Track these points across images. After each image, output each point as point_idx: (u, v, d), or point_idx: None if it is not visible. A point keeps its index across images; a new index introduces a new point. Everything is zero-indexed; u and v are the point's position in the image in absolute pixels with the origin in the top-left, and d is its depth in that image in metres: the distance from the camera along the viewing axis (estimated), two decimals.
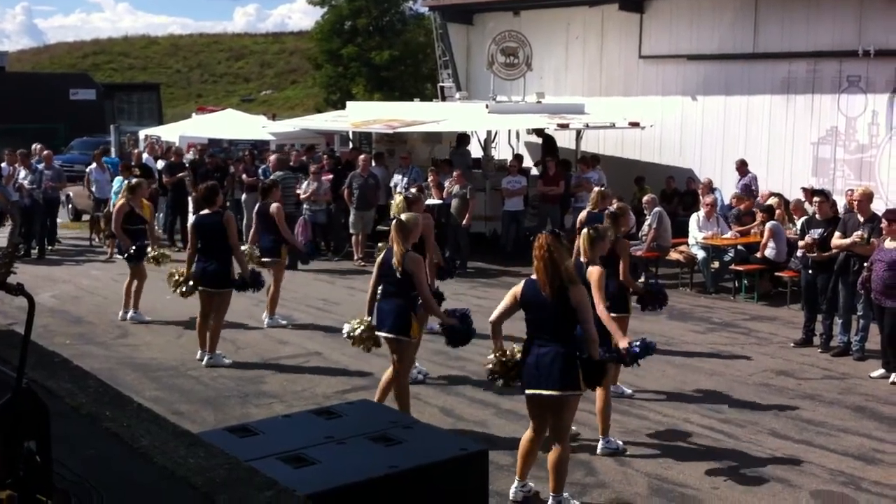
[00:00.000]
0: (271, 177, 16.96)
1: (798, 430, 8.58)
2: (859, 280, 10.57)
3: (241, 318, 12.52)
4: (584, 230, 7.90)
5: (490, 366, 6.82)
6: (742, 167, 17.48)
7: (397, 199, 9.47)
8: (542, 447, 6.83)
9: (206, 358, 10.40)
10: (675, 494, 7.10)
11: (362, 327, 8.15)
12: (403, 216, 8.19)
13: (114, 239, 14.04)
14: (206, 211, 10.50)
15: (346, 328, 8.35)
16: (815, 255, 11.30)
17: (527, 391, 6.59)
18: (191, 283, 10.44)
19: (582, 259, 7.82)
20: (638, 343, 7.29)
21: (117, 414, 4.02)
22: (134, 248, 12.29)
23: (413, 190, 12.31)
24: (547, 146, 20.03)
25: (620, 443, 8.02)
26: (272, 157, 18.69)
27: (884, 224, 10.39)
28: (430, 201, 14.73)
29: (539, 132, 20.26)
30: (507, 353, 6.72)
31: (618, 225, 8.85)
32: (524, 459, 6.84)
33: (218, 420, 8.37)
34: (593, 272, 7.53)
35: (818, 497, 7.12)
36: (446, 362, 10.43)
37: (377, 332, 8.09)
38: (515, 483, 6.87)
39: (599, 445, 7.92)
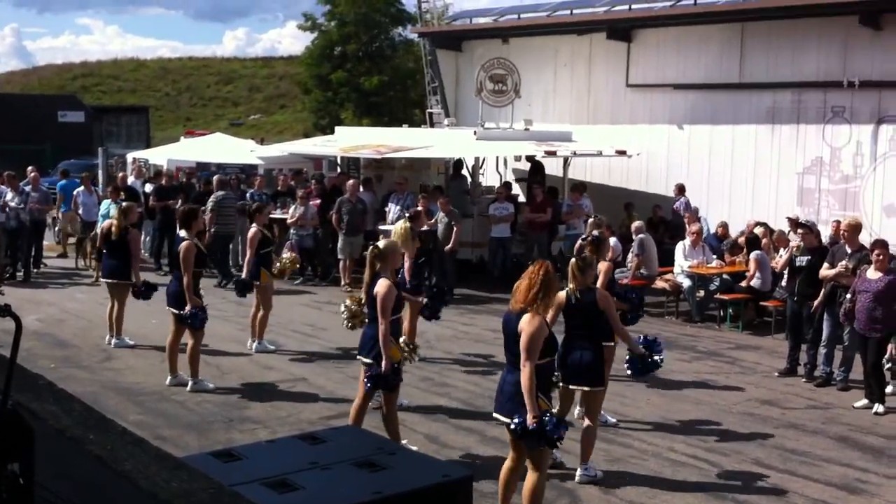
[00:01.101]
0: (212, 197, 17.46)
1: (782, 460, 8.60)
2: (842, 311, 10.62)
3: (226, 342, 12.49)
4: (573, 260, 8.06)
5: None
6: (679, 191, 18.27)
7: (398, 227, 9.56)
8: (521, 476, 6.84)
9: (189, 383, 10.37)
10: None
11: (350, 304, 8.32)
12: (381, 243, 8.21)
13: (100, 262, 13.97)
14: (182, 232, 10.57)
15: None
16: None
17: (494, 414, 6.73)
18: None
19: (570, 287, 7.89)
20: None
21: (101, 437, 4.01)
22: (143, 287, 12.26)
23: (412, 211, 12.38)
24: (534, 170, 20.11)
25: (600, 472, 8.02)
26: (216, 178, 18.96)
27: (873, 254, 10.45)
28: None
29: (529, 157, 20.36)
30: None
31: (601, 251, 9.08)
32: (504, 488, 6.85)
33: (202, 445, 8.33)
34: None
35: None
36: (431, 388, 10.42)
37: (358, 356, 8.11)
38: None
39: (578, 472, 7.92)
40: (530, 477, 6.59)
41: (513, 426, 6.42)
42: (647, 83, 19.92)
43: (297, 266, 12.55)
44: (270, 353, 12.12)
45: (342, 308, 9.11)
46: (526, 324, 6.43)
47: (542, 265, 6.67)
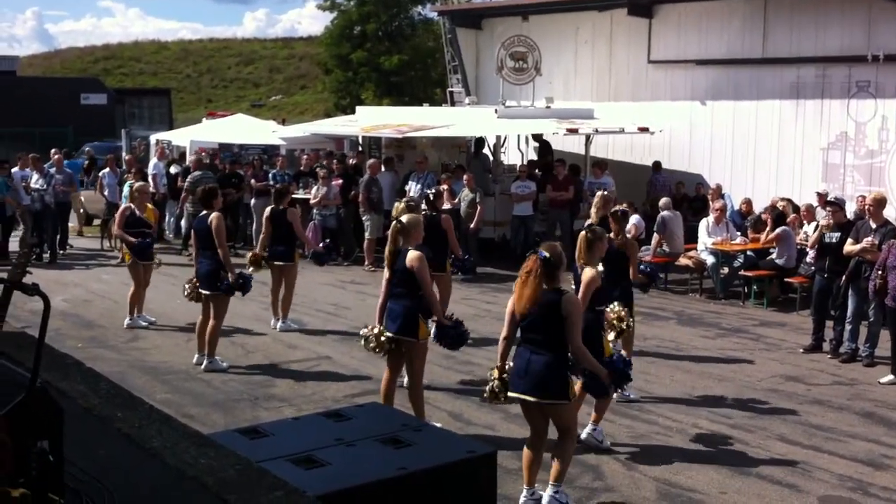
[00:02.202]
0: (189, 177, 17.73)
1: (807, 436, 8.57)
2: (870, 287, 10.52)
3: (251, 321, 12.57)
4: (582, 232, 7.93)
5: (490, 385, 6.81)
6: (655, 168, 18.95)
7: (399, 205, 9.56)
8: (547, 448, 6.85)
9: (204, 363, 10.45)
10: (684, 499, 7.11)
11: (373, 334, 8.18)
12: (404, 217, 8.24)
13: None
14: (204, 212, 10.61)
15: (362, 341, 8.41)
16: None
17: (511, 393, 6.65)
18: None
19: (578, 262, 7.86)
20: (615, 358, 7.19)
21: (129, 415, 4.06)
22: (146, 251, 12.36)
23: (434, 189, 12.38)
24: (544, 151, 20.02)
25: (608, 443, 8.10)
26: (193, 159, 19.33)
27: None
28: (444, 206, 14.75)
29: (536, 138, 20.28)
30: (506, 372, 6.71)
31: (623, 225, 8.90)
32: (529, 466, 6.84)
33: (228, 423, 8.39)
34: (587, 273, 7.65)
35: (826, 502, 7.12)
36: (455, 366, 10.45)
37: (387, 333, 8.12)
38: (524, 492, 6.86)
39: (587, 428, 7.96)
40: (561, 441, 6.66)
41: (582, 380, 6.76)
42: (668, 59, 19.76)
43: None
44: (294, 332, 12.19)
45: (364, 342, 8.39)
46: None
47: (535, 264, 6.52)
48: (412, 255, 7.92)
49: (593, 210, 11.09)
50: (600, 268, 7.98)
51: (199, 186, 17.02)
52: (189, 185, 17.34)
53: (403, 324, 7.99)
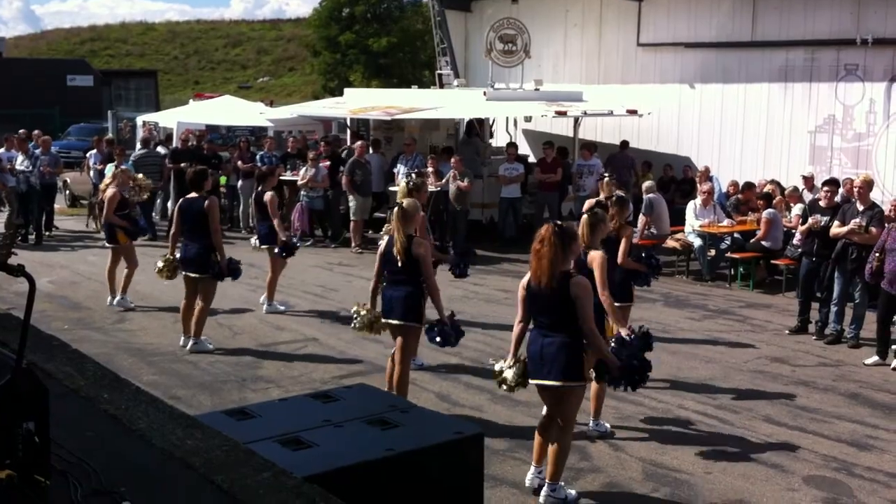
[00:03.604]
0: (131, 157, 17.92)
1: (792, 417, 8.63)
2: (867, 271, 10.52)
3: (238, 303, 12.55)
4: (584, 215, 7.87)
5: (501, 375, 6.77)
6: (622, 147, 19.08)
7: (402, 186, 9.51)
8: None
9: (190, 343, 10.43)
10: (669, 479, 7.15)
11: (363, 312, 8.20)
12: (405, 202, 8.22)
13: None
14: (192, 195, 10.53)
15: (353, 322, 8.46)
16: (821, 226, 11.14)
17: (530, 380, 6.61)
18: (174, 266, 10.67)
19: (581, 244, 7.82)
20: (634, 337, 7.12)
21: (115, 397, 4.06)
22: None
23: (414, 176, 12.28)
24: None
25: (608, 426, 8.11)
26: (140, 137, 19.57)
27: None
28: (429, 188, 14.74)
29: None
30: (519, 361, 6.68)
31: (623, 211, 8.87)
32: (540, 445, 6.82)
33: (215, 404, 8.40)
34: (595, 257, 7.39)
35: (811, 482, 7.17)
36: (442, 348, 10.46)
37: (385, 320, 8.13)
38: (532, 469, 6.87)
39: (590, 425, 7.99)
40: (557, 438, 6.63)
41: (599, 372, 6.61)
42: (658, 42, 19.75)
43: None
44: (281, 314, 12.18)
45: (354, 320, 8.55)
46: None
47: (548, 232, 6.36)
48: (417, 242, 7.93)
49: (602, 194, 11.08)
50: None
51: (140, 166, 17.21)
52: (131, 164, 17.29)
53: (406, 311, 8.01)
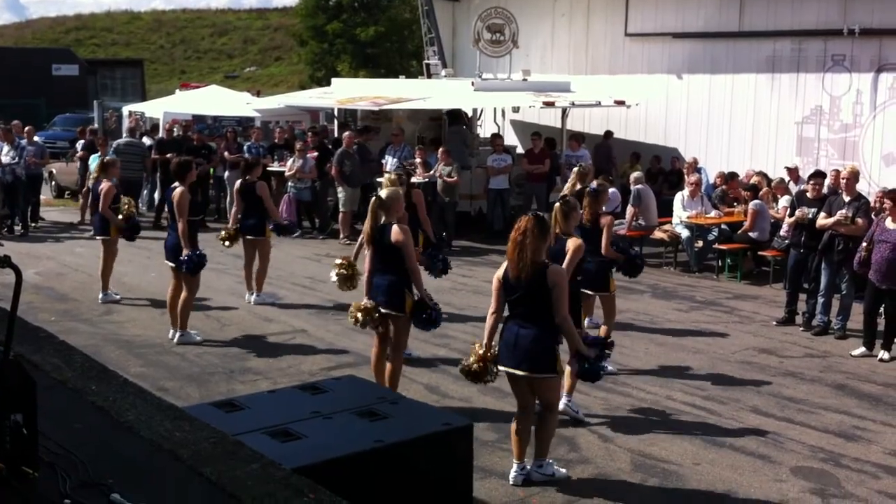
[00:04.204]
0: (114, 145, 17.88)
1: (779, 408, 8.66)
2: (856, 261, 10.54)
3: (226, 295, 12.52)
4: (556, 204, 7.94)
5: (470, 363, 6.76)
6: (606, 136, 19.24)
7: (388, 178, 9.50)
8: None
9: (177, 336, 10.40)
10: (658, 470, 7.17)
11: (359, 307, 8.14)
12: (383, 192, 8.21)
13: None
14: (175, 185, 10.49)
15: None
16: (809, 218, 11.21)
17: (500, 367, 6.65)
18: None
19: (557, 232, 7.85)
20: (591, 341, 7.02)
21: (103, 389, 4.04)
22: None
23: (408, 163, 12.33)
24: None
25: (582, 413, 8.16)
26: (125, 126, 19.35)
27: (887, 204, 10.40)
28: (416, 179, 14.71)
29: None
30: (490, 353, 6.68)
31: (599, 202, 8.96)
32: (518, 442, 6.84)
33: (203, 396, 8.37)
34: (571, 243, 7.64)
35: (798, 473, 7.20)
36: (431, 339, 10.45)
37: (380, 309, 8.11)
38: (514, 467, 6.87)
39: (562, 402, 7.92)
40: (544, 417, 6.70)
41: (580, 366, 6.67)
42: (645, 32, 19.74)
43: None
44: (269, 306, 12.15)
45: (333, 274, 8.89)
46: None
47: (529, 222, 6.44)
48: (396, 230, 7.90)
49: (568, 185, 11.24)
50: None
51: (121, 154, 17.10)
52: (112, 153, 17.19)
53: (389, 298, 8.00)
